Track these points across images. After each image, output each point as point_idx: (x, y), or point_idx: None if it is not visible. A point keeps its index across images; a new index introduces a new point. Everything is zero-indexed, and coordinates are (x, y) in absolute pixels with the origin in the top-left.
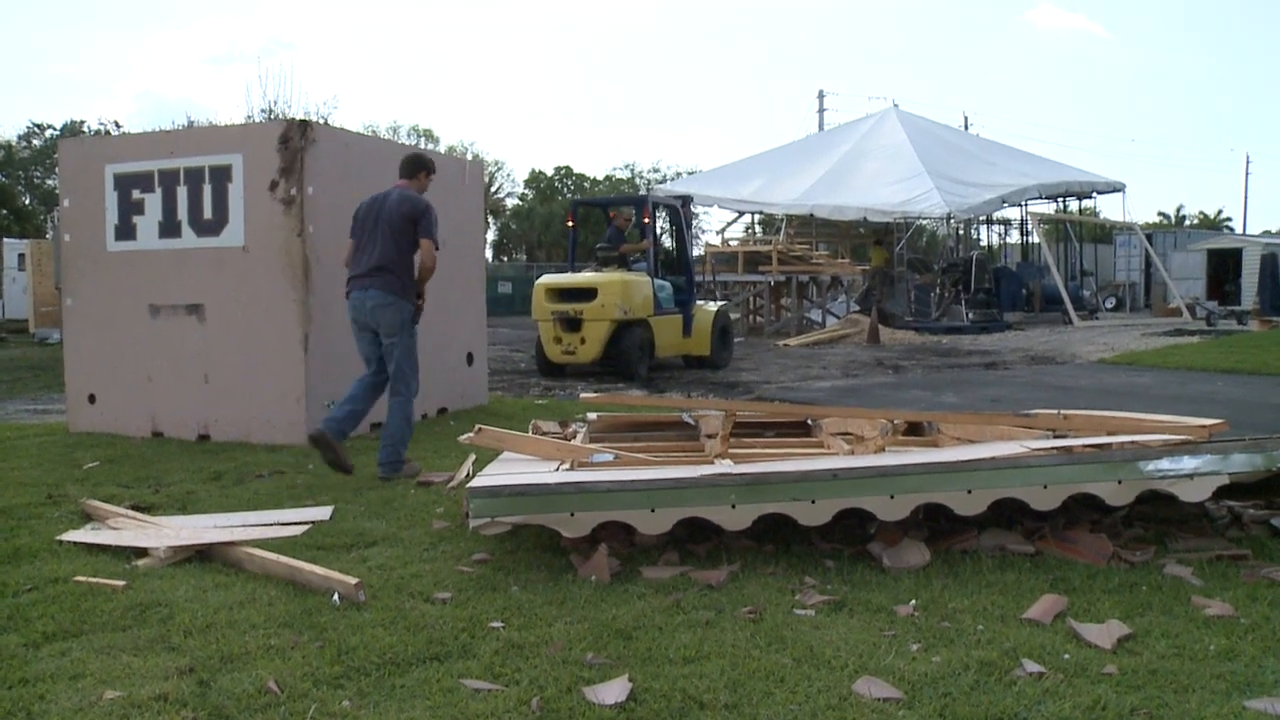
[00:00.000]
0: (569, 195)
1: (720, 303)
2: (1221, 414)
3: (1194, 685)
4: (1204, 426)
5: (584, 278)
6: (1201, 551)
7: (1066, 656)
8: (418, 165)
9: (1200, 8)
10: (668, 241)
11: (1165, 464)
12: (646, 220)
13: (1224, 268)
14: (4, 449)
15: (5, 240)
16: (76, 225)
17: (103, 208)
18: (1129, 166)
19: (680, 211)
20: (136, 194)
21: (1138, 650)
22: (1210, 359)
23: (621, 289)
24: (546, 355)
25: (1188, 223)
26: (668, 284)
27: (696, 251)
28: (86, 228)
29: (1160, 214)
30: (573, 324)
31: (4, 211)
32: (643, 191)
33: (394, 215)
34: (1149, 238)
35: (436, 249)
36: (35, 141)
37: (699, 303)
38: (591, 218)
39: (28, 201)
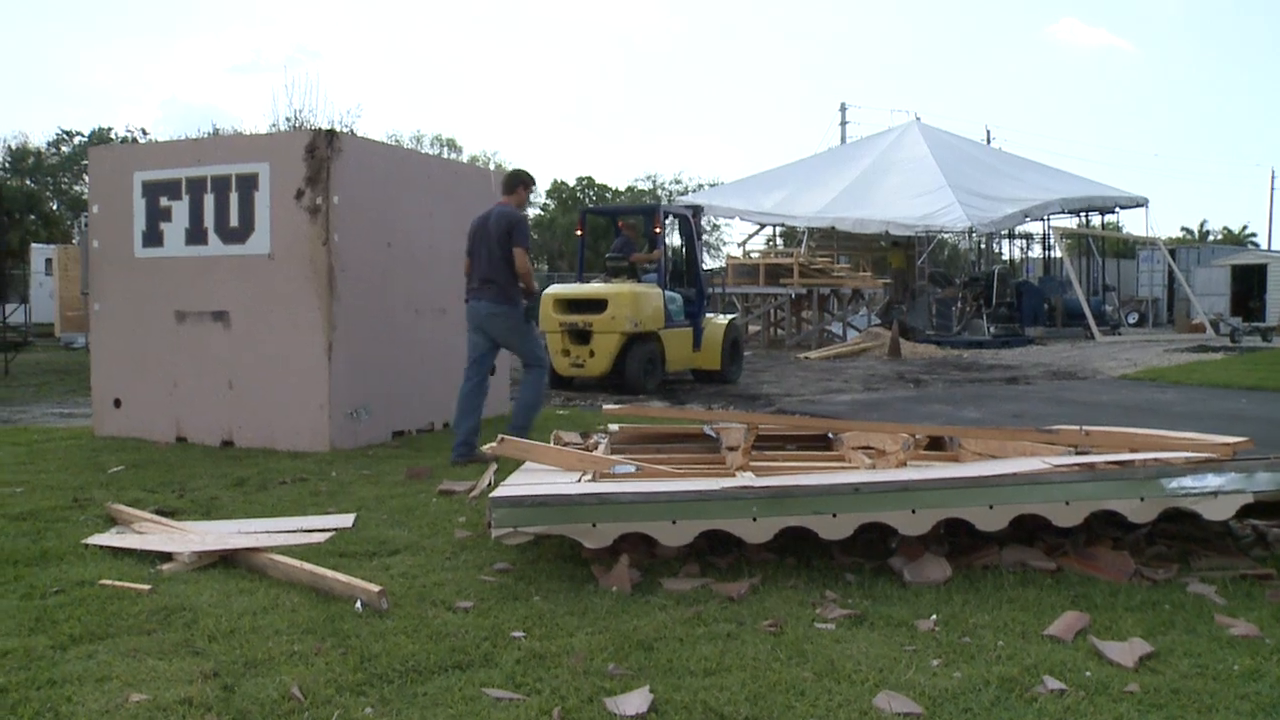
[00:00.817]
0: (591, 205)
1: (730, 315)
2: (1246, 431)
3: (1217, 705)
4: (1228, 444)
5: (593, 289)
6: (1225, 570)
7: (1088, 674)
8: (515, 181)
9: (1225, 22)
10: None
11: (1189, 482)
12: (657, 230)
13: (1248, 284)
14: (31, 452)
15: (33, 245)
16: (105, 231)
17: (131, 214)
18: (1152, 181)
19: (691, 221)
20: (164, 201)
21: (1160, 669)
22: (1234, 376)
23: (632, 301)
24: (554, 368)
25: (1211, 238)
26: (678, 296)
27: (716, 263)
28: (115, 234)
29: (1184, 229)
30: (582, 336)
31: (32, 217)
32: (665, 203)
33: (494, 231)
34: (1172, 253)
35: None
36: (64, 148)
37: (709, 315)
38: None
39: (55, 207)
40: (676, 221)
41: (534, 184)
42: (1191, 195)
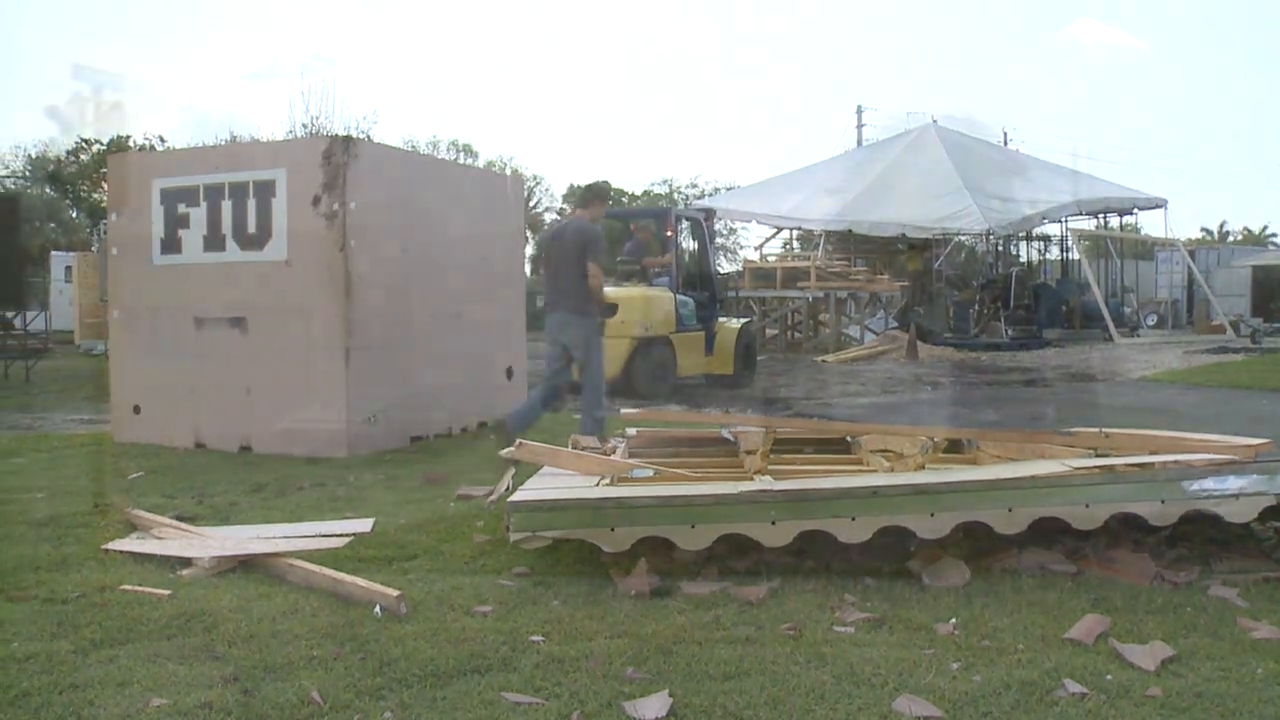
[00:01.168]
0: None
1: (744, 319)
2: (1267, 433)
3: (1240, 709)
4: (1249, 446)
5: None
6: (1247, 573)
7: (1109, 678)
8: (590, 195)
9: (1244, 22)
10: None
11: (1210, 484)
12: (669, 233)
13: (1269, 285)
14: (52, 459)
15: (53, 253)
16: (123, 238)
17: (149, 221)
18: (1171, 182)
19: (703, 225)
20: (182, 208)
21: (1182, 672)
22: (1255, 377)
23: (643, 305)
24: None
25: (1231, 239)
26: (690, 300)
27: (733, 267)
28: (133, 241)
29: (1203, 230)
30: None
31: (52, 225)
32: (681, 206)
33: (569, 244)
34: (1192, 254)
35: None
36: (83, 156)
37: (722, 319)
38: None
39: (75, 215)
40: (689, 225)
41: (609, 198)
42: (1211, 196)
